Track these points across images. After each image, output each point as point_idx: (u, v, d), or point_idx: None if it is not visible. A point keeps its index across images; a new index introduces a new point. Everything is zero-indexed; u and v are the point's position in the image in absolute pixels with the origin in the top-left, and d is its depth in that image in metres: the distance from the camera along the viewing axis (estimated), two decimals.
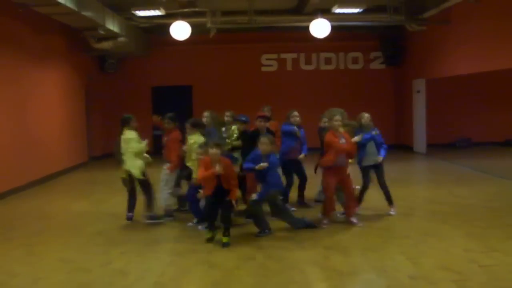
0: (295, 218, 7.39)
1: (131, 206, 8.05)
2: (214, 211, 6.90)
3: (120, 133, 7.87)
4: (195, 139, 7.63)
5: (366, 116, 8.20)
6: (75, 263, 6.11)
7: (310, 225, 7.34)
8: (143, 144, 7.80)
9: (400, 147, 17.22)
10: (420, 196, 9.45)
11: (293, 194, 8.85)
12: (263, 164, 6.90)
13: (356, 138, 7.58)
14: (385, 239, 6.90)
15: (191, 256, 6.25)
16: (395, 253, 6.27)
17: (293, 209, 8.27)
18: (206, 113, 8.44)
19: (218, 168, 6.65)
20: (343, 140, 7.39)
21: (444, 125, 17.34)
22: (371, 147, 8.02)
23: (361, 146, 7.97)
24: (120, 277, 5.58)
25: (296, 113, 8.64)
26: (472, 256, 6.00)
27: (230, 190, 6.84)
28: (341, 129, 7.49)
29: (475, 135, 17.70)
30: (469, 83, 16.49)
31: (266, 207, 7.31)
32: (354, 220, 7.58)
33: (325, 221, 7.54)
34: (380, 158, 8.00)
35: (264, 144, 6.99)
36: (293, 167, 8.67)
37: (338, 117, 7.45)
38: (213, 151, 6.72)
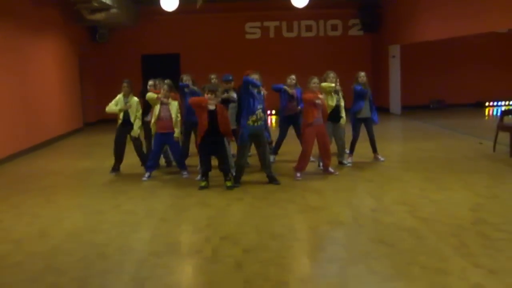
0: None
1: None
2: (208, 162, 7.92)
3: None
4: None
5: (362, 74, 9.35)
6: (90, 207, 7.16)
7: (273, 180, 8.05)
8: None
9: (377, 108, 18.09)
10: (390, 150, 10.56)
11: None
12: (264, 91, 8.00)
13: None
14: (355, 183, 8.07)
15: (189, 199, 7.33)
16: (361, 193, 7.47)
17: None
18: (185, 77, 9.31)
19: (212, 101, 7.62)
20: (319, 101, 8.36)
21: (418, 88, 18.44)
22: (366, 104, 9.27)
23: (355, 100, 9.20)
24: (130, 216, 6.64)
25: (292, 76, 9.54)
26: (425, 194, 7.16)
27: (223, 134, 7.80)
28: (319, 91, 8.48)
29: (448, 97, 18.84)
30: (441, 48, 17.58)
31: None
32: (331, 169, 8.60)
33: (298, 174, 8.31)
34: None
35: (256, 75, 8.04)
36: (289, 123, 9.62)
37: (315, 80, 8.43)
38: (208, 95, 7.68)
